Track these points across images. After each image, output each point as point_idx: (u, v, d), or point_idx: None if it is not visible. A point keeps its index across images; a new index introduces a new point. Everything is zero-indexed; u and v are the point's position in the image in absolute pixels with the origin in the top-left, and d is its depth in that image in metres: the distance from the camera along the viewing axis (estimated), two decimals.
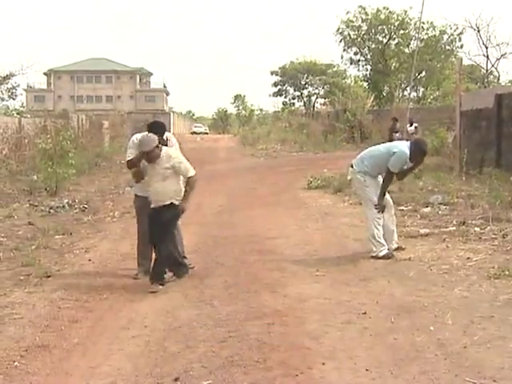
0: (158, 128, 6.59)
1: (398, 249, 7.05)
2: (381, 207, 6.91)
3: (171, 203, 6.15)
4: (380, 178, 7.06)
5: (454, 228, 8.15)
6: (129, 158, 6.47)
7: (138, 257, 6.72)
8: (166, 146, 6.63)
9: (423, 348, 4.18)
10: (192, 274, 6.48)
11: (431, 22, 39.79)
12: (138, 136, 6.62)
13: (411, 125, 22.83)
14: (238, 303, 5.35)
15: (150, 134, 6.21)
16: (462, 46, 38.23)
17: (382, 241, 6.89)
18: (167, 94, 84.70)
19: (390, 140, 23.29)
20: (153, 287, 5.93)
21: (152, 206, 6.23)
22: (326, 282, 6.01)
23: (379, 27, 41.64)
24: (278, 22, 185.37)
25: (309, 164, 20.73)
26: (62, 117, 24.69)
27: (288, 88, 56.83)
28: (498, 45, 27.36)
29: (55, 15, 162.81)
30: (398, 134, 22.52)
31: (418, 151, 6.90)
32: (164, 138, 6.55)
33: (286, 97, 57.06)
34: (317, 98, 56.88)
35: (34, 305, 5.45)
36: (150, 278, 6.07)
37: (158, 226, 6.10)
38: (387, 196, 7.12)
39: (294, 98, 57.31)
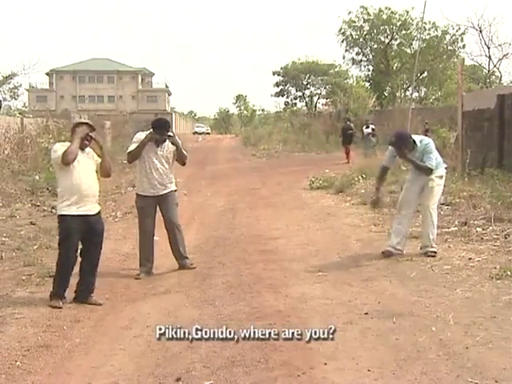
0: (162, 125, 6.63)
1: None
2: (372, 202, 7.20)
3: (99, 212, 5.68)
4: (411, 174, 7.10)
5: (456, 228, 8.14)
6: (129, 150, 6.59)
7: (139, 257, 6.73)
8: (174, 144, 6.67)
9: (425, 348, 4.17)
10: (194, 274, 6.49)
11: (433, 23, 39.77)
12: (142, 134, 6.67)
13: (367, 126, 22.64)
14: (240, 303, 5.35)
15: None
16: (464, 47, 38.19)
17: (392, 236, 6.95)
18: (169, 94, 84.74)
19: (344, 141, 22.14)
20: (96, 300, 5.54)
21: (80, 212, 5.43)
22: (328, 282, 6.01)
23: (381, 27, 41.57)
24: (280, 21, 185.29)
25: (311, 164, 20.72)
26: (63, 117, 24.72)
27: (290, 88, 56.83)
28: (500, 45, 27.33)
29: (57, 15, 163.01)
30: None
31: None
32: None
33: (287, 97, 57.09)
34: (319, 98, 56.91)
35: (36, 304, 5.45)
36: (89, 293, 5.58)
37: (95, 239, 5.61)
38: (409, 197, 6.99)
39: (295, 99, 57.34)
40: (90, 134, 5.54)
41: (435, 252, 6.81)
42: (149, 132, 6.60)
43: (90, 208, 5.55)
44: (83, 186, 5.45)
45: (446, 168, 7.17)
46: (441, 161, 7.02)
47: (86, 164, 5.55)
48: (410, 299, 5.32)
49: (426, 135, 22.90)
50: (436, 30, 40.30)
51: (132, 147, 6.61)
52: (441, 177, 6.95)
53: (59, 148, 5.50)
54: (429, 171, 6.78)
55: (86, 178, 5.50)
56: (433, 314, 4.90)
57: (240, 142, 39.12)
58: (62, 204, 5.49)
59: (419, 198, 6.99)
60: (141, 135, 6.67)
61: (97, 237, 5.64)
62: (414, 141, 6.81)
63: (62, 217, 5.49)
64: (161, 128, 6.59)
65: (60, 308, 5.34)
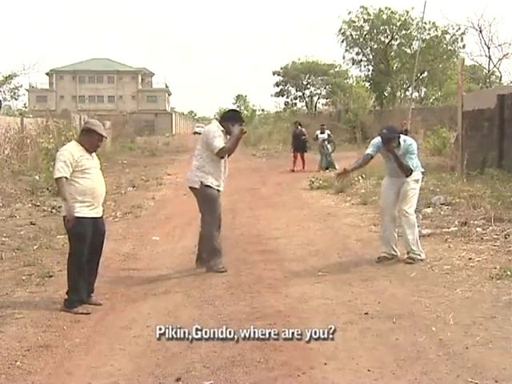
0: (240, 116, 6.66)
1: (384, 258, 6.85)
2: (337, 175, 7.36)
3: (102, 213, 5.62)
4: (386, 179, 7.05)
5: (456, 228, 8.14)
6: (222, 145, 6.44)
7: (215, 250, 6.59)
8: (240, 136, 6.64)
9: (425, 348, 4.18)
10: (194, 274, 6.49)
11: (433, 23, 39.76)
12: (214, 127, 6.60)
13: (322, 132, 20.49)
14: (240, 303, 5.35)
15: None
16: (464, 47, 38.13)
17: (383, 244, 6.91)
18: (169, 94, 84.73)
19: (298, 148, 20.08)
20: (96, 300, 5.53)
21: (92, 214, 5.41)
22: (328, 282, 6.01)
23: (381, 27, 41.54)
24: (280, 21, 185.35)
25: (311, 164, 20.66)
26: (63, 117, 24.72)
27: (290, 88, 56.78)
28: (500, 45, 27.21)
29: (57, 15, 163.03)
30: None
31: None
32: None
33: (287, 97, 57.03)
34: (319, 98, 56.89)
35: (36, 304, 5.45)
36: (90, 293, 5.51)
37: (98, 240, 5.56)
38: (388, 202, 6.89)
39: (295, 98, 57.28)
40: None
41: (413, 259, 6.59)
42: (237, 125, 6.52)
43: (99, 211, 5.55)
44: (97, 189, 5.46)
45: (423, 173, 7.10)
46: (419, 164, 6.90)
47: (97, 167, 5.57)
48: (409, 299, 5.32)
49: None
50: (436, 30, 40.29)
51: (220, 142, 6.43)
52: (416, 181, 6.80)
53: (72, 147, 5.43)
54: (409, 171, 6.66)
55: (99, 180, 5.54)
56: (433, 313, 4.90)
57: (240, 142, 39.04)
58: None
59: (398, 201, 6.86)
60: (216, 129, 6.55)
61: (100, 238, 5.61)
62: (399, 134, 6.80)
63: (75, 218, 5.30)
64: (240, 119, 6.58)
65: (89, 314, 5.23)
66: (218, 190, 6.67)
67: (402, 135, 6.92)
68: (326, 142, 19.96)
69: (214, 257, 6.57)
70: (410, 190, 6.74)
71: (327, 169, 18.93)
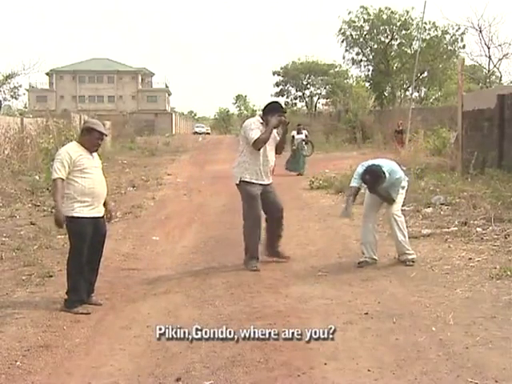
0: (280, 107, 6.64)
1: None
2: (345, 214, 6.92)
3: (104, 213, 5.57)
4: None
5: (456, 228, 8.14)
6: (257, 136, 6.43)
7: (251, 247, 6.60)
8: (285, 128, 6.66)
9: (425, 348, 4.18)
10: (194, 274, 6.49)
11: (433, 23, 39.75)
12: (253, 120, 6.62)
13: (299, 132, 18.91)
14: (240, 303, 5.35)
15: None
16: (464, 47, 38.13)
17: (363, 248, 6.76)
18: (169, 94, 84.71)
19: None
20: (96, 300, 5.49)
21: (92, 214, 5.36)
22: (327, 282, 6.02)
23: (381, 27, 41.55)
24: (280, 21, 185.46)
25: (310, 164, 20.68)
26: (63, 117, 24.71)
27: (290, 88, 56.90)
28: (500, 45, 27.21)
29: (57, 15, 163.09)
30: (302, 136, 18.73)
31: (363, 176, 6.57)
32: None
33: (287, 97, 57.13)
34: (319, 98, 56.99)
35: (36, 304, 5.45)
36: (90, 293, 5.48)
37: (98, 240, 5.51)
38: (371, 206, 6.85)
39: (295, 98, 57.39)
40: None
41: (413, 260, 6.57)
42: (276, 116, 6.49)
43: (100, 210, 5.52)
44: (97, 189, 5.42)
45: (407, 181, 7.04)
46: (404, 176, 6.87)
47: (98, 167, 5.55)
48: (409, 299, 5.32)
49: (399, 135, 21.34)
50: (436, 29, 40.28)
51: (256, 134, 6.43)
52: (402, 187, 6.79)
53: (70, 147, 5.42)
54: (392, 202, 6.65)
55: (100, 180, 5.51)
56: (433, 314, 4.90)
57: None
58: (71, 206, 5.28)
59: (381, 207, 6.88)
60: (254, 122, 6.57)
61: (100, 238, 5.58)
62: (384, 173, 6.52)
63: (73, 219, 5.25)
64: (279, 110, 6.56)
65: (89, 314, 5.20)
66: (261, 184, 6.64)
67: (386, 166, 6.61)
68: (304, 143, 18.84)
69: (248, 253, 6.61)
70: (397, 195, 6.72)
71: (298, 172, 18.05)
